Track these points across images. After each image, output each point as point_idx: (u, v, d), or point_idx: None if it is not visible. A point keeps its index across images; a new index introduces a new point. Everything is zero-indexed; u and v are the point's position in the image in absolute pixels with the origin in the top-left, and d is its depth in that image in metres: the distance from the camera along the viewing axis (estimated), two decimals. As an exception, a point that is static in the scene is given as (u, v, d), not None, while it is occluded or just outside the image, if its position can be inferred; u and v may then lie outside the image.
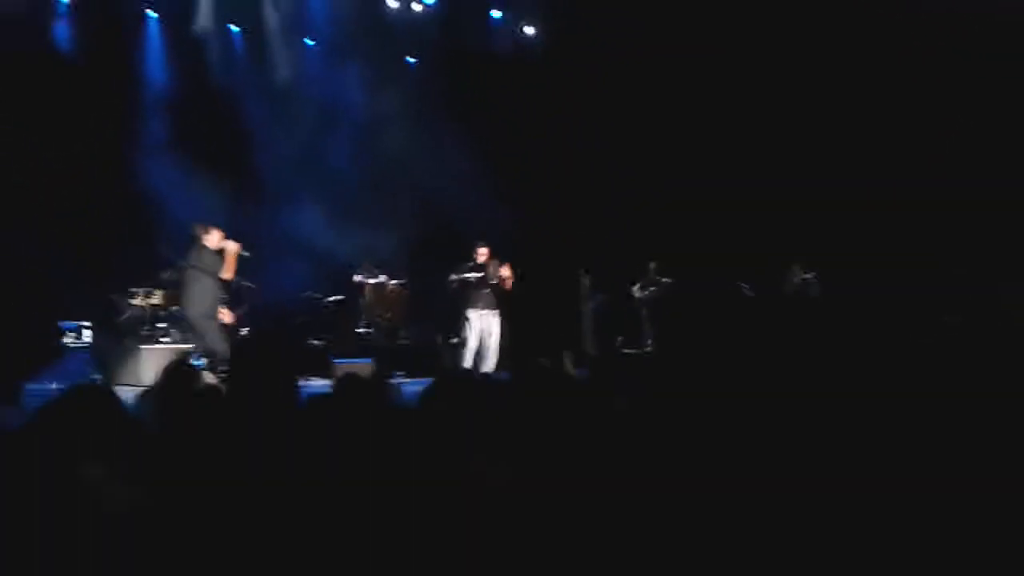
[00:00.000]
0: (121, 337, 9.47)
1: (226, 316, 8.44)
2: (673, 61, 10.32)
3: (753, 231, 9.97)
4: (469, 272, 9.29)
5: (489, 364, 9.31)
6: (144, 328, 9.54)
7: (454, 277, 9.32)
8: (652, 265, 10.68)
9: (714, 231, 10.16)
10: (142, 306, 9.64)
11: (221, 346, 8.07)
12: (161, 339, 9.45)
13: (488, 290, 9.32)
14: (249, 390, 3.60)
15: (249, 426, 2.91)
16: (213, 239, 8.21)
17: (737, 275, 10.11)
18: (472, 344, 9.35)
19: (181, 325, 9.05)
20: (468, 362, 9.30)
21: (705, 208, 10.20)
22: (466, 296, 9.36)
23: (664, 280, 10.63)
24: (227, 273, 8.19)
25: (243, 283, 9.99)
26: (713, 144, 10.49)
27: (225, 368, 7.60)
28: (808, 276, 10.12)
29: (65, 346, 9.28)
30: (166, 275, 9.68)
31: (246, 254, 8.37)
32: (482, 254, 9.35)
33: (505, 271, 9.23)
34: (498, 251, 9.40)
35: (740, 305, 9.96)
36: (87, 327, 9.42)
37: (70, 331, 9.37)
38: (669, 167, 10.54)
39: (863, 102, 10.13)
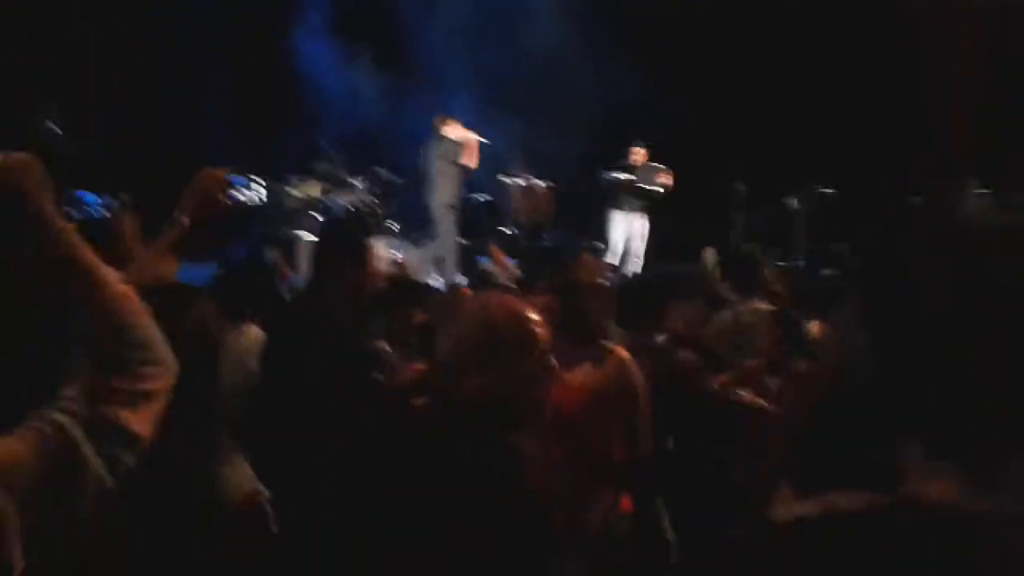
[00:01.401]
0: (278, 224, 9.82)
1: None
2: None
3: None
4: (622, 172, 9.16)
5: (634, 266, 9.22)
6: (299, 217, 9.85)
7: (605, 177, 9.20)
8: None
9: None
10: (298, 196, 9.94)
11: (451, 243, 8.24)
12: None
13: (637, 194, 9.18)
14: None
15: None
16: (453, 129, 8.35)
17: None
18: (617, 246, 9.27)
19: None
20: (616, 263, 9.23)
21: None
22: (614, 197, 9.25)
23: (825, 190, 10.00)
24: (470, 161, 8.40)
25: (392, 177, 10.22)
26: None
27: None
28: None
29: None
30: (321, 167, 9.98)
31: (486, 141, 8.50)
32: (638, 153, 9.18)
33: (666, 179, 9.05)
34: (656, 153, 9.21)
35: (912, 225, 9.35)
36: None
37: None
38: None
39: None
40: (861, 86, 9.61)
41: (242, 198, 9.47)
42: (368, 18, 10.86)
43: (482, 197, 10.42)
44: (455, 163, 8.47)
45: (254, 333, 3.22)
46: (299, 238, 9.47)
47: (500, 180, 10.16)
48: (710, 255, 8.71)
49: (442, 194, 8.55)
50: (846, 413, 1.37)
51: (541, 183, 10.50)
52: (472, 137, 8.50)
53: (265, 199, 9.61)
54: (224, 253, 3.63)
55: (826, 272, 8.60)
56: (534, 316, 1.92)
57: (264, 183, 9.59)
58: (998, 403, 1.13)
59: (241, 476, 2.89)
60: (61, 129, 8.45)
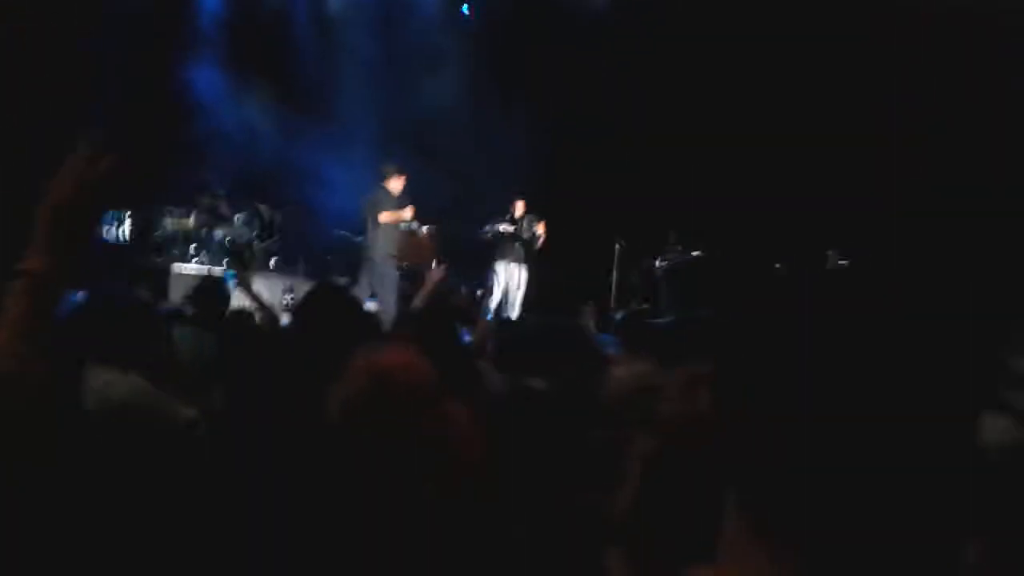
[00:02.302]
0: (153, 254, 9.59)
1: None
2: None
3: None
4: (503, 224, 9.38)
5: (512, 315, 9.41)
6: (176, 248, 9.65)
7: (487, 228, 9.41)
8: (671, 234, 10.48)
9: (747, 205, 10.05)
10: (172, 228, 9.75)
11: (390, 291, 8.63)
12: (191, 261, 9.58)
13: (519, 243, 9.42)
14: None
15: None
16: (397, 183, 8.65)
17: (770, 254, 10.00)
18: (497, 294, 9.48)
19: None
20: (491, 312, 9.40)
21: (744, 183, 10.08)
22: (495, 247, 9.47)
23: (683, 251, 10.46)
24: (406, 214, 8.73)
25: (274, 213, 10.17)
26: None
27: None
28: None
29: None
30: (204, 200, 9.83)
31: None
32: (518, 207, 9.43)
33: (540, 228, 9.32)
34: (533, 206, 9.47)
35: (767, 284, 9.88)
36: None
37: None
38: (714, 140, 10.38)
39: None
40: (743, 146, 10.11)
41: (107, 236, 9.31)
42: (265, 53, 10.83)
43: (359, 239, 10.44)
44: (389, 216, 8.69)
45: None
46: (172, 270, 9.27)
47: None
48: (589, 310, 9.03)
49: (380, 246, 8.67)
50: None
51: (423, 227, 10.61)
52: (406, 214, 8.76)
53: (129, 237, 9.44)
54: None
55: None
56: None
57: (135, 215, 9.42)
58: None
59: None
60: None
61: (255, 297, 4.98)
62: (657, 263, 10.33)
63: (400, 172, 8.78)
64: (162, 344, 3.15)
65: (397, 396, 1.80)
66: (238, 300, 8.53)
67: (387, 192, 8.75)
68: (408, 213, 8.82)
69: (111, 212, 9.41)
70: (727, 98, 9.96)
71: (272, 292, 8.81)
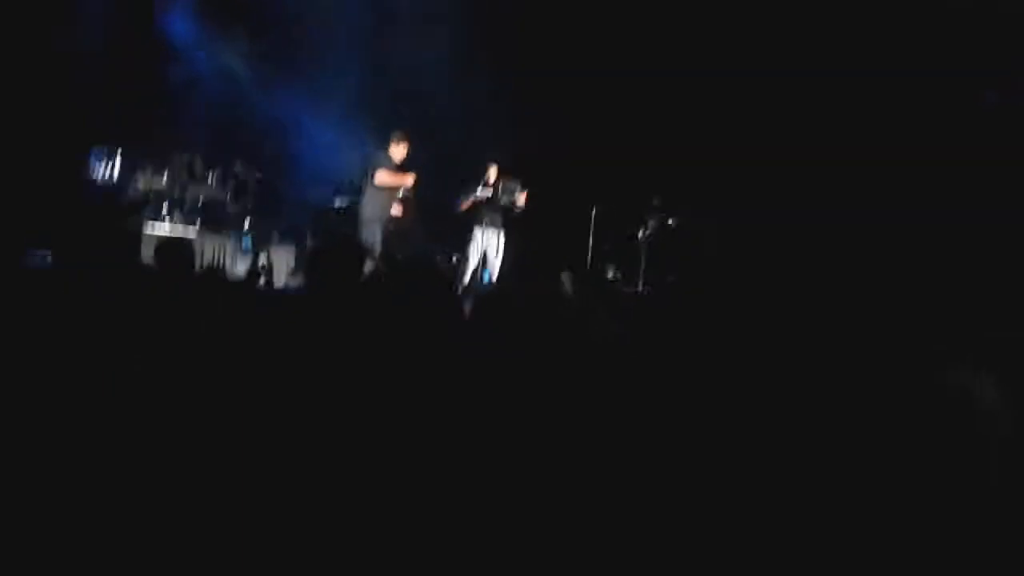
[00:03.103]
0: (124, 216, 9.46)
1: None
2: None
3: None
4: (479, 190, 9.31)
5: (492, 280, 9.39)
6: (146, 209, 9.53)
7: (461, 199, 9.33)
8: (655, 201, 10.41)
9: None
10: (144, 188, 9.61)
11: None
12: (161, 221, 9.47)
13: (495, 209, 9.35)
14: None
15: None
16: (399, 149, 8.80)
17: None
18: (473, 261, 9.42)
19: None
20: (467, 278, 9.37)
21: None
22: (472, 213, 9.39)
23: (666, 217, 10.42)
24: (403, 181, 8.87)
25: (249, 171, 10.05)
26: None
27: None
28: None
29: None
30: (178, 158, 9.70)
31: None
32: (492, 172, 9.35)
33: (522, 198, 9.26)
34: (511, 170, 9.39)
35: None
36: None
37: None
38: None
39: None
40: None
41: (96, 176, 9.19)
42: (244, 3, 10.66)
43: (339, 201, 10.35)
44: (389, 177, 8.77)
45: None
46: (143, 229, 9.18)
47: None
48: (567, 277, 8.99)
49: (371, 207, 8.69)
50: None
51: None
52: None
53: (117, 179, 9.32)
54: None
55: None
56: None
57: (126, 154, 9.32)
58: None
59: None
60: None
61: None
62: (640, 233, 10.22)
63: (405, 139, 8.80)
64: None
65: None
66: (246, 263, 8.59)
67: (388, 156, 8.73)
68: (410, 180, 8.80)
69: (102, 148, 9.29)
70: (715, 58, 9.86)
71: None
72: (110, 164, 9.33)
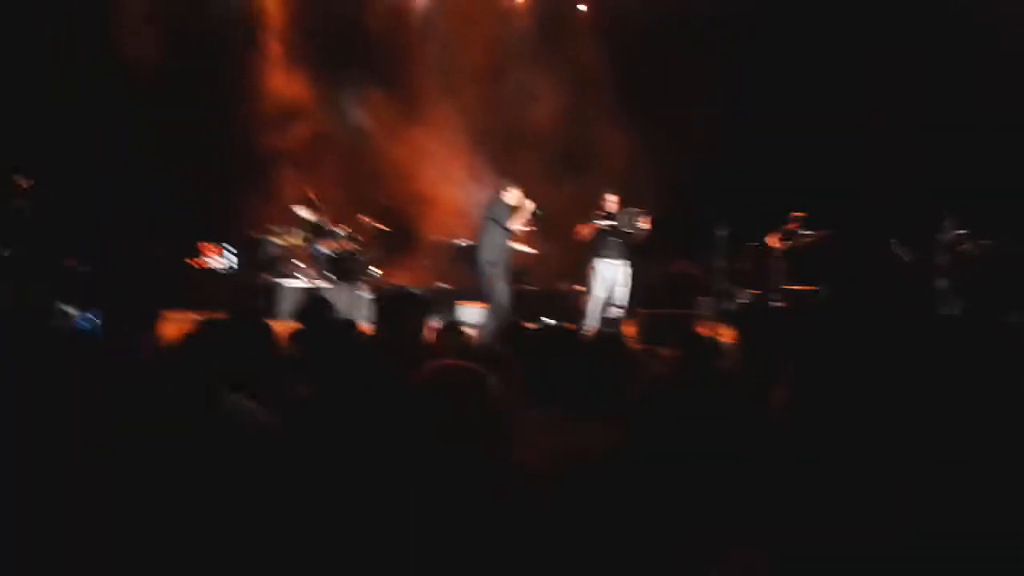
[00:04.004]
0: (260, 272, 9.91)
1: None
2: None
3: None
4: (599, 220, 9.16)
5: (616, 313, 9.19)
6: (281, 265, 9.95)
7: (583, 226, 9.20)
8: (795, 216, 10.02)
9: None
10: (280, 244, 10.05)
11: (498, 297, 8.63)
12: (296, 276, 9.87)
13: (619, 239, 9.17)
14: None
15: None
16: (513, 195, 8.81)
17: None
18: (598, 294, 9.23)
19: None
20: (594, 312, 9.20)
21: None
22: (595, 244, 9.24)
23: (806, 233, 10.01)
24: (519, 224, 8.91)
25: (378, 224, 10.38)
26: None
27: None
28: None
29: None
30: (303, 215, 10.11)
31: (539, 212, 8.81)
32: (611, 202, 9.20)
33: (646, 224, 9.07)
34: (633, 200, 9.25)
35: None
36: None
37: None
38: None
39: None
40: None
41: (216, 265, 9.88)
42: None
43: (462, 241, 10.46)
44: (504, 226, 8.76)
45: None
46: (281, 286, 9.55)
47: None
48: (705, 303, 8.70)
49: (488, 251, 8.73)
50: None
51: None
52: (528, 204, 8.76)
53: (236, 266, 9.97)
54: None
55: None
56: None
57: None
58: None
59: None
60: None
61: None
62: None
63: (518, 185, 8.87)
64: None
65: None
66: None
67: (503, 203, 8.76)
68: (531, 205, 8.88)
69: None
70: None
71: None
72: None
